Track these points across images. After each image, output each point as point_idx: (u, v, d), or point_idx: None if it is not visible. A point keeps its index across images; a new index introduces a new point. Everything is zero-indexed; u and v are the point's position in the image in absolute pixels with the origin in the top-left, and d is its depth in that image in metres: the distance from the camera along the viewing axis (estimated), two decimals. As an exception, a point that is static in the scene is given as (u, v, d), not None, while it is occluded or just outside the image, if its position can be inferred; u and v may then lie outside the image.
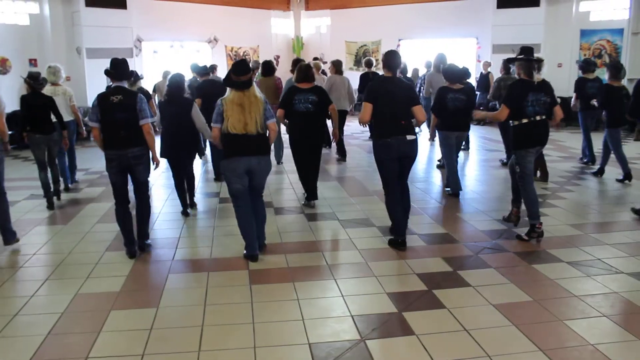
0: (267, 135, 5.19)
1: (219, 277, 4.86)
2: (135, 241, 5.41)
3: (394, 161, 5.41)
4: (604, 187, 8.15)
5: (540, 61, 5.62)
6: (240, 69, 5.03)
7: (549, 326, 3.86)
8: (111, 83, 5.35)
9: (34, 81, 7.29)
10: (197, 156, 7.25)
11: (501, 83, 8.56)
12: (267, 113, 5.10)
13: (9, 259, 5.41)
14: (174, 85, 6.69)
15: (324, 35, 19.08)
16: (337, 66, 10.47)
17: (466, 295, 4.41)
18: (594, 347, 3.55)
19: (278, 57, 17.47)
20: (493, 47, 15.37)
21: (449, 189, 7.64)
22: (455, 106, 7.21)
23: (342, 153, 10.50)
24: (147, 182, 5.49)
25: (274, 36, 18.92)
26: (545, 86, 5.62)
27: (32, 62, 13.42)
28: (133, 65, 14.36)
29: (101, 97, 5.18)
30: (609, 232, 5.91)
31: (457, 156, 7.72)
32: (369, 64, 12.01)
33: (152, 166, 5.51)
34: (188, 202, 6.97)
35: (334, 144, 10.80)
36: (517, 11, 15.03)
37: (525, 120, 5.53)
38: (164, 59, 15.93)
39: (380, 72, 9.29)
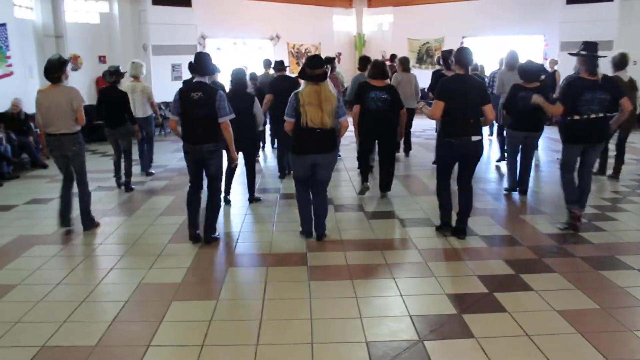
0: (336, 131, 5.30)
1: (278, 272, 4.90)
2: (197, 225, 5.58)
3: (454, 160, 5.45)
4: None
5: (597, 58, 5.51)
6: (315, 62, 5.14)
7: (616, 336, 3.70)
8: (192, 77, 5.52)
9: (109, 76, 7.85)
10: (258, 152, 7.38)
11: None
12: (340, 110, 5.16)
13: (78, 248, 5.62)
14: (237, 80, 6.79)
15: (386, 33, 18.94)
16: (404, 64, 10.33)
17: (529, 299, 4.27)
18: (666, 359, 3.38)
19: (339, 54, 17.47)
20: (561, 45, 14.85)
21: (506, 187, 7.53)
22: (525, 105, 6.78)
23: (407, 148, 10.65)
24: (218, 177, 5.56)
25: (336, 33, 18.92)
26: (607, 83, 5.43)
27: (102, 58, 13.92)
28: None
29: (182, 92, 5.30)
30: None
31: (532, 158, 7.48)
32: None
33: (225, 162, 5.65)
34: (248, 196, 7.15)
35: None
36: (588, 6, 14.46)
37: (577, 117, 5.46)
38: (227, 56, 16.18)
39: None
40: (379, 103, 6.76)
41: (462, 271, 4.86)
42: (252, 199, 7.18)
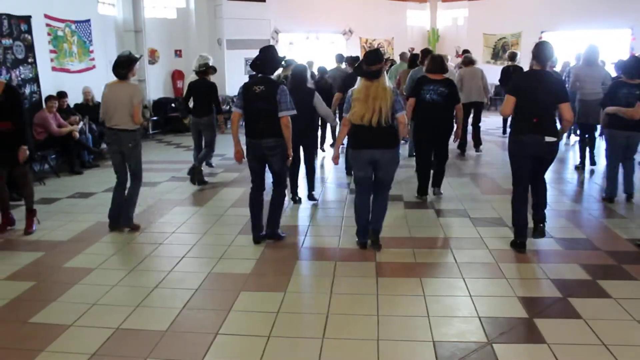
0: (396, 128, 5.09)
1: (345, 267, 4.89)
2: (261, 227, 5.54)
3: (527, 159, 5.10)
4: None
5: None
6: (372, 58, 5.02)
7: (703, 350, 3.48)
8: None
9: (199, 68, 8.17)
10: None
11: None
12: (397, 105, 4.99)
13: (151, 236, 5.80)
14: (297, 75, 6.76)
15: (460, 27, 18.55)
16: (466, 59, 10.21)
17: (606, 307, 4.07)
18: None
19: (412, 49, 17.20)
20: (647, 40, 14.09)
21: (604, 196, 7.07)
22: (628, 103, 6.41)
23: (477, 143, 10.45)
24: (282, 172, 5.51)
25: (409, 28, 18.71)
26: None
27: (178, 53, 14.33)
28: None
29: (245, 87, 5.32)
30: None
31: (633, 159, 7.09)
32: (512, 57, 11.54)
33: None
34: (307, 193, 7.12)
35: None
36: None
37: None
38: (299, 50, 16.30)
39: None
40: (435, 96, 6.62)
41: (535, 274, 4.70)
42: (310, 196, 7.10)
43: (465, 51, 9.47)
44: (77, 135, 9.17)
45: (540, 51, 5.09)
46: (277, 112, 5.19)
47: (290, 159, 5.51)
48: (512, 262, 4.93)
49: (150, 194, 7.53)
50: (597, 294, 4.29)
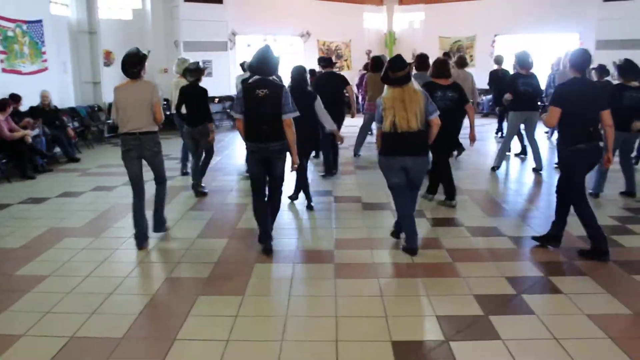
0: (426, 133, 5.05)
1: (304, 269, 4.91)
2: (271, 235, 5.33)
3: (586, 169, 5.06)
4: None
5: None
6: (397, 64, 4.93)
7: (650, 342, 3.62)
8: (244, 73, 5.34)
9: (190, 74, 7.58)
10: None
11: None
12: (430, 107, 4.98)
13: (107, 242, 5.70)
14: (297, 77, 6.59)
15: (416, 30, 18.79)
16: (461, 60, 10.16)
17: (558, 302, 4.20)
18: (700, 367, 3.29)
19: (370, 51, 17.35)
20: (597, 43, 14.52)
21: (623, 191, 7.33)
22: (630, 105, 6.75)
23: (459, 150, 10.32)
24: (282, 177, 5.37)
25: (366, 31, 18.84)
26: None
27: (134, 54, 14.09)
28: (227, 58, 14.88)
29: (247, 90, 5.08)
30: None
31: (631, 158, 7.39)
32: (498, 61, 11.76)
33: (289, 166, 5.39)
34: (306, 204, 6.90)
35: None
36: (625, 4, 14.04)
37: None
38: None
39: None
40: (447, 102, 6.44)
41: (490, 272, 4.79)
42: (309, 207, 6.84)
43: (422, 55, 9.58)
44: (30, 139, 8.94)
45: (578, 58, 5.05)
46: (281, 115, 5.04)
47: (296, 166, 5.35)
48: (468, 262, 5.02)
49: (106, 198, 7.40)
50: (550, 290, 4.42)
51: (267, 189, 5.35)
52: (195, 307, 4.13)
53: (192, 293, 4.37)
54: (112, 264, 5.11)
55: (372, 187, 7.86)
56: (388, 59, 5.83)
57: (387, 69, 4.94)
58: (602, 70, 8.50)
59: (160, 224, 5.80)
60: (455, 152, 9.67)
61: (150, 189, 5.69)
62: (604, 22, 14.42)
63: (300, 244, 5.55)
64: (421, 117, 4.88)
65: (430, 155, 5.53)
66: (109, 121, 13.19)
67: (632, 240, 5.53)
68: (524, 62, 8.66)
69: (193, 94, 7.42)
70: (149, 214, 5.66)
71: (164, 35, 14.49)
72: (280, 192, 5.46)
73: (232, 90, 15.00)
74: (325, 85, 8.53)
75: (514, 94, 8.58)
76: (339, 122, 8.48)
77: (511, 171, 9.35)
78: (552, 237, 5.33)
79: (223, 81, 14.69)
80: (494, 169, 8.92)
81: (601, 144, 4.99)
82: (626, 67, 7.01)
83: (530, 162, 9.34)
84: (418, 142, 4.96)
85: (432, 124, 5.01)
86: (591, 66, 6.63)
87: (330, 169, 8.62)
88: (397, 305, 4.15)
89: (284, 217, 6.54)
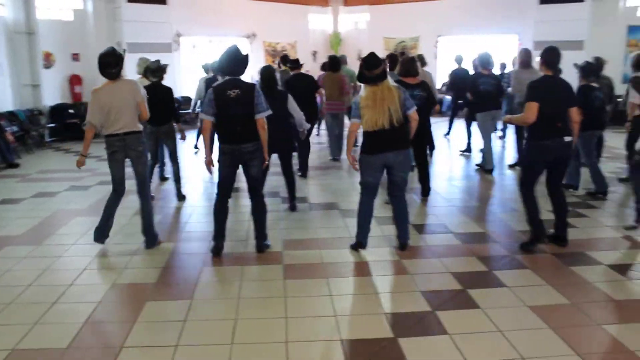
0: (407, 128, 5.08)
1: (253, 270, 4.90)
2: (224, 236, 5.30)
3: (545, 163, 5.27)
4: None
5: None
6: (371, 62, 4.94)
7: (586, 330, 3.78)
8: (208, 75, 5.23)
9: (152, 73, 7.43)
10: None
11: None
12: (407, 103, 5.00)
13: (49, 249, 5.54)
14: (267, 76, 6.47)
15: (361, 31, 18.97)
16: (421, 60, 10.19)
17: (501, 295, 4.33)
18: (633, 353, 3.45)
19: (315, 52, 17.44)
20: (535, 44, 15.02)
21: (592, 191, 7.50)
22: (598, 105, 7.05)
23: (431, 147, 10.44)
24: (260, 178, 5.31)
25: (311, 32, 18.91)
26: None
27: (75, 56, 13.73)
28: (171, 60, 14.65)
29: (217, 91, 4.99)
30: (652, 234, 5.74)
31: (598, 155, 7.63)
32: (459, 60, 11.95)
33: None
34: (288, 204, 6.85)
35: None
36: (561, 7, 14.65)
37: None
38: (202, 54, 16.07)
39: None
40: (416, 101, 6.29)
41: (437, 268, 4.90)
42: (293, 207, 6.82)
43: (392, 55, 9.70)
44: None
45: (550, 57, 5.23)
46: (254, 115, 4.98)
47: (267, 165, 5.29)
48: (415, 258, 5.13)
49: (48, 204, 7.19)
50: (493, 284, 4.55)
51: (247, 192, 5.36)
52: (143, 313, 4.06)
53: (139, 299, 4.29)
54: (55, 272, 4.97)
55: (320, 187, 7.92)
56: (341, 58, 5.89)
57: (363, 68, 4.96)
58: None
59: (152, 240, 5.53)
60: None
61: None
62: (541, 24, 14.96)
63: (249, 245, 5.52)
64: (398, 113, 4.92)
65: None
66: (50, 125, 12.83)
67: (570, 233, 5.73)
68: (485, 62, 8.86)
69: (158, 93, 7.24)
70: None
71: (106, 37, 14.13)
72: (262, 196, 5.39)
73: (181, 92, 14.84)
74: (296, 87, 8.52)
75: (474, 94, 8.77)
76: (311, 123, 8.51)
77: (456, 169, 9.57)
78: (555, 237, 5.47)
79: (169, 83, 14.39)
80: (490, 171, 8.96)
81: (567, 139, 5.16)
82: (587, 68, 7.29)
83: (476, 159, 9.61)
84: (398, 137, 4.99)
85: (411, 119, 5.07)
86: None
87: (304, 169, 8.65)
88: (346, 304, 4.20)
89: (232, 219, 6.48)
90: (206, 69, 9.94)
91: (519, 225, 6.04)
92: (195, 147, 11.13)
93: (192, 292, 4.42)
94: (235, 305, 4.17)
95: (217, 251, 5.23)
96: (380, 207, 6.76)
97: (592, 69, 7.23)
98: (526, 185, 5.35)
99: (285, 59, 11.82)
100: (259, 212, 5.33)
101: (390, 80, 5.05)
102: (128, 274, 4.86)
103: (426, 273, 4.80)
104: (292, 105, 6.49)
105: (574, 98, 5.31)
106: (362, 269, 4.89)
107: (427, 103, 6.74)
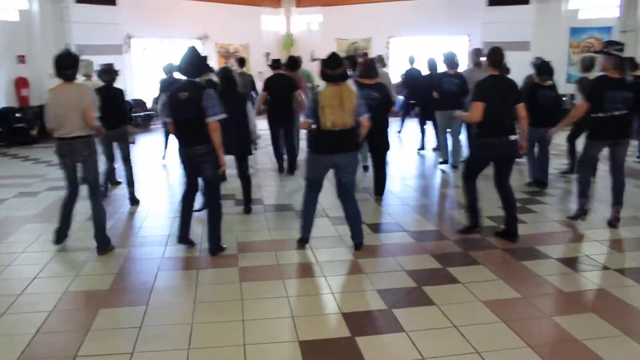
0: (357, 130, 5.11)
1: (208, 274, 4.86)
2: (189, 227, 5.41)
3: (490, 160, 5.48)
4: (594, 185, 8.17)
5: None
6: (334, 62, 4.97)
7: (537, 322, 3.90)
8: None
9: (104, 74, 7.29)
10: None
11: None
12: (361, 108, 5.04)
13: (-3, 257, 5.37)
14: (226, 77, 6.42)
15: (314, 32, 19.02)
16: (381, 61, 10.25)
17: (455, 292, 4.42)
18: (581, 342, 3.58)
19: (268, 53, 17.40)
20: (484, 45, 15.37)
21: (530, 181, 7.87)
22: (545, 103, 7.34)
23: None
24: (214, 180, 5.23)
25: (264, 33, 18.85)
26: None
27: (20, 58, 13.32)
28: (122, 62, 14.40)
29: (171, 93, 5.04)
30: (597, 228, 5.93)
31: (549, 152, 7.85)
32: (412, 60, 12.07)
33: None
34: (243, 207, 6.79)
35: None
36: (507, 8, 15.05)
37: (601, 115, 5.64)
38: (153, 56, 15.84)
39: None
40: (369, 101, 6.36)
41: (392, 267, 4.96)
42: (248, 209, 6.75)
43: (351, 56, 9.74)
44: None
45: (497, 57, 5.38)
46: (204, 118, 4.92)
47: (222, 170, 5.21)
48: (370, 258, 5.18)
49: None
50: (447, 281, 4.63)
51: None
52: (97, 320, 3.98)
53: (92, 306, 4.21)
54: (4, 281, 4.81)
55: (274, 189, 7.91)
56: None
57: (325, 67, 4.99)
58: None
59: (104, 245, 5.40)
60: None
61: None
62: (489, 25, 15.33)
63: (203, 249, 5.47)
64: (353, 115, 4.98)
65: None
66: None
67: (520, 229, 5.89)
68: (451, 62, 9.02)
69: (109, 96, 7.08)
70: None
71: (54, 38, 13.76)
72: (217, 198, 5.33)
73: (132, 94, 14.58)
74: (276, 86, 8.47)
75: (440, 93, 8.92)
76: (291, 123, 8.54)
77: (410, 167, 9.70)
78: (505, 232, 5.64)
79: (119, 85, 14.17)
80: (445, 162, 9.23)
81: (512, 137, 5.31)
82: (541, 67, 7.54)
83: (428, 159, 9.77)
84: (348, 139, 5.04)
85: (362, 124, 5.11)
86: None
87: (292, 168, 8.70)
88: (303, 305, 4.22)
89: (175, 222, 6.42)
90: (165, 70, 9.84)
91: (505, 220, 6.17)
92: (163, 158, 10.41)
93: (147, 298, 4.36)
94: (192, 309, 4.14)
95: (183, 240, 5.39)
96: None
97: (547, 68, 7.50)
98: (469, 178, 5.61)
99: (242, 61, 11.75)
100: (213, 214, 5.30)
101: (350, 82, 5.13)
102: (80, 281, 4.75)
103: (381, 272, 4.86)
104: (250, 109, 6.46)
105: (519, 95, 5.50)
106: (318, 270, 4.91)
107: (383, 104, 6.81)
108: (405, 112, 12.76)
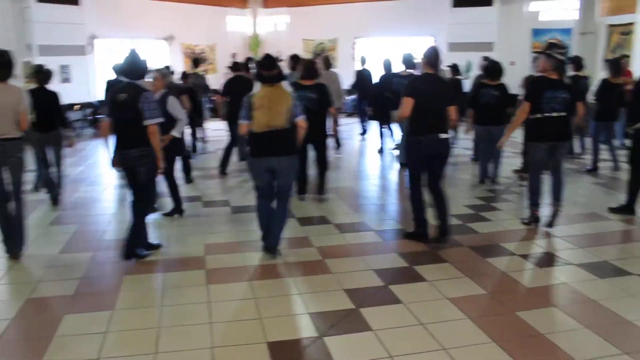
0: (294, 133, 5.06)
1: (175, 277, 4.81)
2: (132, 244, 5.15)
3: (424, 158, 5.38)
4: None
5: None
6: (269, 63, 4.95)
7: (502, 318, 3.97)
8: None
9: (37, 75, 7.09)
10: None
11: None
12: (296, 110, 4.99)
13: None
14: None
15: (281, 33, 19.02)
16: (326, 62, 10.30)
17: (422, 290, 4.47)
18: (545, 336, 3.66)
19: (235, 54, 17.31)
20: (449, 46, 15.59)
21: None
22: (487, 101, 7.53)
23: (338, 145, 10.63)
24: (149, 186, 5.14)
25: (230, 34, 18.76)
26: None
27: (-21, 60, 12.99)
28: (86, 63, 14.17)
29: (112, 94, 4.99)
30: (559, 225, 6.05)
31: (498, 151, 7.96)
32: (363, 61, 12.12)
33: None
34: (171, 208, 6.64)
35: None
36: (471, 10, 15.27)
37: (539, 116, 5.66)
38: (118, 57, 15.60)
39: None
40: (306, 102, 6.36)
41: (359, 266, 4.99)
42: (180, 211, 6.63)
43: (269, 56, 9.79)
44: None
45: (432, 56, 5.38)
46: (141, 121, 4.86)
47: (161, 172, 5.15)
48: (337, 257, 5.19)
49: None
50: (414, 279, 4.68)
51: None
52: (61, 327, 3.90)
53: (56, 313, 4.13)
54: (-38, 289, 4.70)
55: (240, 190, 7.87)
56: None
57: (261, 68, 4.97)
58: (455, 68, 9.43)
59: (17, 248, 5.28)
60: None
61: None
62: (454, 26, 15.54)
63: (169, 252, 5.42)
64: (288, 117, 4.94)
65: None
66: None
67: (485, 227, 6.01)
68: (407, 63, 9.09)
69: (42, 98, 6.89)
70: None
71: (15, 38, 13.43)
72: (146, 202, 5.26)
73: (96, 96, 14.33)
74: (236, 90, 8.43)
75: (391, 93, 9.01)
76: None
77: (373, 168, 9.78)
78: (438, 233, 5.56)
79: (82, 87, 13.97)
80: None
81: (442, 135, 5.32)
82: (488, 67, 7.70)
83: (390, 159, 9.85)
84: (285, 141, 4.99)
85: (299, 126, 5.07)
86: (446, 65, 7.19)
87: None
88: (270, 306, 4.20)
89: (152, 225, 6.36)
90: (115, 70, 9.73)
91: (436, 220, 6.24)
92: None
93: (113, 303, 4.29)
94: (158, 313, 4.10)
95: (128, 257, 5.11)
96: (300, 208, 6.83)
97: (495, 69, 7.69)
98: (412, 181, 5.52)
99: (195, 62, 11.70)
100: (139, 218, 5.17)
101: (285, 83, 5.10)
102: (43, 287, 4.66)
103: (349, 271, 4.88)
104: (173, 108, 6.23)
105: (452, 97, 5.51)
106: (285, 270, 4.91)
107: (320, 105, 6.75)
108: (360, 113, 12.79)
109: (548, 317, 3.98)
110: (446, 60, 9.54)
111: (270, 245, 5.20)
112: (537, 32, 15.17)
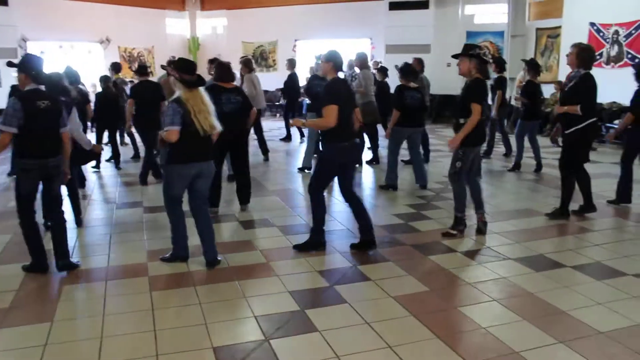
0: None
1: (117, 285, 4.69)
2: (45, 253, 4.96)
3: (341, 166, 5.26)
4: (491, 180, 8.63)
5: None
6: (191, 67, 4.86)
7: (445, 314, 4.08)
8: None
9: None
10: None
11: None
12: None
13: None
14: (50, 86, 6.04)
15: (220, 36, 18.90)
16: (248, 65, 10.33)
17: (367, 288, 4.54)
18: (485, 330, 3.78)
19: (173, 57, 17.06)
20: (386, 48, 15.87)
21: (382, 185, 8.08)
22: (412, 104, 7.71)
23: (264, 151, 10.59)
24: (61, 194, 5.03)
25: (169, 36, 18.50)
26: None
27: None
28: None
29: (25, 101, 4.58)
30: (496, 221, 6.26)
31: (419, 153, 8.27)
32: (292, 65, 12.17)
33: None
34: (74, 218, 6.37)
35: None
36: (408, 13, 15.61)
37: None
38: (52, 60, 15.11)
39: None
40: (234, 105, 6.34)
41: (303, 268, 5.01)
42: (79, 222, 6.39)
43: (186, 59, 9.75)
44: None
45: (339, 59, 5.36)
46: (59, 129, 4.77)
47: (67, 180, 5.07)
48: (282, 260, 5.20)
49: None
50: (358, 279, 4.75)
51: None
52: (-4, 341, 3.76)
53: (-10, 327, 3.97)
54: None
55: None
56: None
57: (184, 73, 4.77)
58: (384, 71, 9.70)
59: None
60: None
61: None
62: (391, 29, 15.84)
63: (110, 259, 5.29)
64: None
65: None
66: None
67: (425, 225, 6.14)
68: (361, 62, 9.39)
69: None
70: None
71: None
72: (62, 211, 5.11)
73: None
74: (144, 95, 8.26)
75: (310, 97, 9.18)
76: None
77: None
78: (363, 241, 5.45)
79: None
80: (304, 170, 9.25)
81: (357, 140, 5.40)
82: (405, 70, 7.89)
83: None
84: (210, 145, 4.96)
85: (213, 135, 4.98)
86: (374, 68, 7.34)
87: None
88: (215, 310, 4.17)
89: (95, 232, 6.20)
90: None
91: (380, 220, 6.34)
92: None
93: (52, 314, 4.14)
94: (101, 322, 3.99)
95: (45, 268, 4.93)
96: (243, 211, 6.80)
97: (410, 71, 7.97)
98: (318, 189, 5.38)
99: (116, 67, 11.46)
100: (63, 228, 5.06)
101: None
102: (-24, 300, 4.46)
103: (293, 273, 4.89)
104: (74, 120, 5.86)
105: (354, 100, 5.63)
106: (229, 274, 4.87)
107: (245, 108, 6.61)
108: (286, 116, 12.80)
109: (490, 311, 4.10)
110: (389, 62, 9.77)
111: (213, 257, 5.06)
112: (471, 35, 15.64)
